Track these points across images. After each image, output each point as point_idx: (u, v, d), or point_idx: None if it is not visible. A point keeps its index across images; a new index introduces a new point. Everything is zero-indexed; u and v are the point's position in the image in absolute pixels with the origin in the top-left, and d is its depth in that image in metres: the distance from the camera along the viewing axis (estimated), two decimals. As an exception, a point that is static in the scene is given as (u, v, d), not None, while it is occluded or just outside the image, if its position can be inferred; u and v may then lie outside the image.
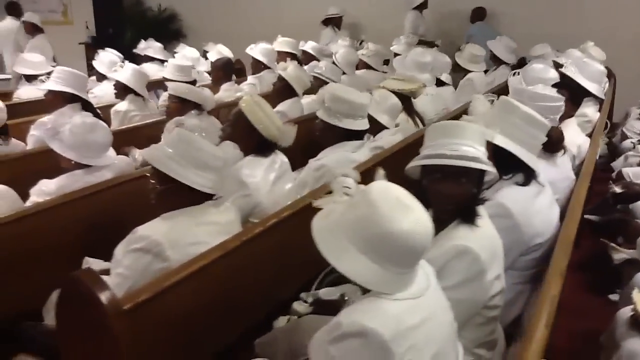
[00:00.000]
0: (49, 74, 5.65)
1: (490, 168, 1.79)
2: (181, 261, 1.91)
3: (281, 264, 2.48)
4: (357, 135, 3.09)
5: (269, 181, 2.76)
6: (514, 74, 4.17)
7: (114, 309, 1.57)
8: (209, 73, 6.27)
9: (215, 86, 5.33)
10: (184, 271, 1.82)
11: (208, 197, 2.07)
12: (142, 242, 1.93)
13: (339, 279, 2.50)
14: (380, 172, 1.57)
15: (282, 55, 6.00)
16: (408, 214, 1.39)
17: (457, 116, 4.49)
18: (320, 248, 1.47)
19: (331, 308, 2.15)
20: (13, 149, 3.42)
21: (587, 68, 4.07)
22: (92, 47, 9.85)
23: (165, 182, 2.00)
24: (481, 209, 1.86)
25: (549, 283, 1.71)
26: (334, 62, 5.46)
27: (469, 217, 1.80)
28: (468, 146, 1.80)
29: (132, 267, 1.92)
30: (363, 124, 3.07)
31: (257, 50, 5.64)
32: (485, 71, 6.22)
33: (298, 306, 2.30)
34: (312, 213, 2.48)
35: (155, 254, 1.91)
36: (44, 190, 2.71)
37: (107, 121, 3.83)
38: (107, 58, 5.45)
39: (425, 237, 1.41)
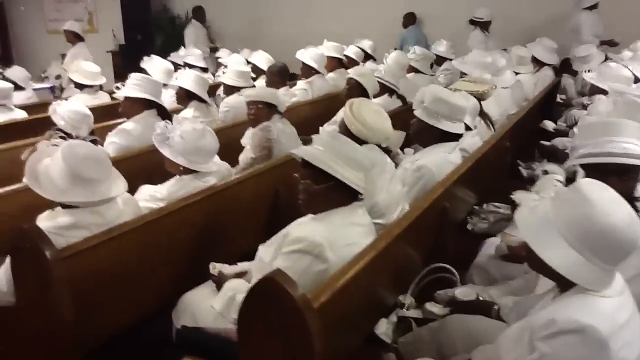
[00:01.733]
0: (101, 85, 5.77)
1: None
2: (339, 262, 1.93)
3: (395, 268, 2.50)
4: (452, 137, 3.11)
5: (386, 181, 2.76)
6: (587, 71, 4.23)
7: (307, 307, 1.59)
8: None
9: (269, 91, 5.35)
10: (350, 271, 1.84)
11: (355, 197, 2.09)
12: (300, 244, 1.94)
13: (434, 283, 2.54)
14: (581, 171, 1.59)
15: (329, 60, 6.05)
16: (621, 208, 1.42)
17: (521, 119, 4.55)
18: (530, 242, 1.49)
19: (472, 308, 2.18)
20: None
21: (655, 68, 4.11)
22: (119, 55, 9.93)
23: (323, 182, 2.01)
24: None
25: None
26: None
27: (634, 213, 1.83)
28: (630, 143, 1.83)
29: (291, 269, 1.92)
30: (460, 128, 3.09)
31: (307, 56, 5.68)
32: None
33: (432, 307, 2.31)
34: (423, 220, 2.52)
35: (315, 256, 1.92)
36: (156, 195, 2.73)
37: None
38: (162, 65, 5.47)
39: (638, 232, 1.43)
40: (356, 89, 4.45)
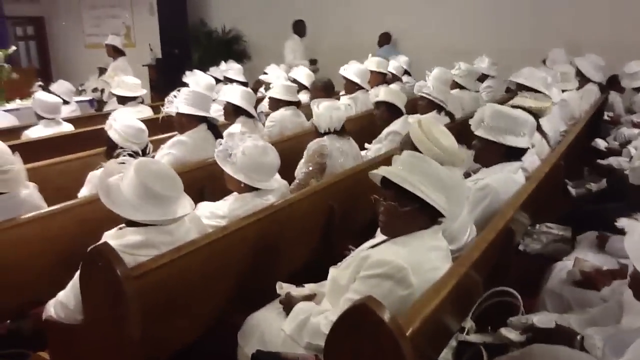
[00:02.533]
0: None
1: None
2: (422, 287, 1.87)
3: (464, 292, 2.42)
4: (516, 155, 3.03)
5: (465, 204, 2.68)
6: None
7: (401, 335, 1.53)
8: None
9: (314, 107, 5.32)
10: (437, 297, 1.78)
11: (435, 220, 2.01)
12: (382, 268, 1.87)
13: (494, 307, 2.45)
14: None
15: (374, 75, 6.02)
16: None
17: (575, 137, 4.44)
18: None
19: (553, 336, 2.08)
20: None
21: None
22: (155, 69, 10.03)
23: (407, 204, 1.95)
24: None
25: None
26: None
27: None
28: None
29: (371, 294, 1.85)
30: (525, 142, 3.00)
31: (350, 71, 5.65)
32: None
33: (508, 333, 2.22)
34: (493, 243, 2.44)
35: (398, 280, 1.85)
36: (218, 213, 2.70)
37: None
38: (204, 80, 5.49)
39: None
40: (383, 109, 4.39)
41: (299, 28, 8.99)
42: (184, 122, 3.75)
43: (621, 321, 2.05)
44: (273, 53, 9.00)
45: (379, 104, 4.43)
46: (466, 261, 2.04)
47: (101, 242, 2.09)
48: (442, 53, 7.76)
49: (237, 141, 2.72)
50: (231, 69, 6.87)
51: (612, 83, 6.51)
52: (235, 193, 2.81)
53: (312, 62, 8.63)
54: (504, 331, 2.23)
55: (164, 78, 9.06)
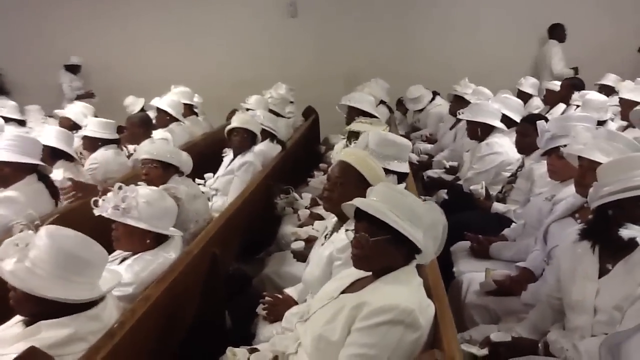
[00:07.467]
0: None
1: None
2: (427, 327, 1.77)
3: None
4: (400, 180, 3.10)
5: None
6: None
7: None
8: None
9: (131, 144, 4.79)
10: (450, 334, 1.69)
11: (412, 256, 1.90)
12: (389, 314, 1.70)
13: None
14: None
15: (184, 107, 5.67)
16: None
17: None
18: None
19: (518, 349, 2.16)
20: None
21: (510, 102, 4.62)
22: None
23: (379, 234, 1.80)
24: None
25: None
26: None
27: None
28: None
29: (381, 344, 1.69)
30: (406, 167, 3.10)
31: (164, 103, 5.25)
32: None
33: (469, 349, 2.22)
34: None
35: (407, 324, 1.70)
36: (122, 281, 2.21)
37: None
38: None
39: None
40: (244, 136, 4.23)
41: (559, 32, 7.71)
42: (8, 174, 3.04)
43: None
44: (38, 88, 7.96)
45: (236, 131, 4.20)
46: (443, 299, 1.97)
47: (24, 349, 1.53)
48: (229, 85, 7.75)
49: (129, 193, 2.29)
50: (4, 106, 5.85)
51: (398, 104, 7.18)
52: (129, 255, 2.37)
53: (575, 71, 7.40)
54: (464, 347, 2.23)
55: None
